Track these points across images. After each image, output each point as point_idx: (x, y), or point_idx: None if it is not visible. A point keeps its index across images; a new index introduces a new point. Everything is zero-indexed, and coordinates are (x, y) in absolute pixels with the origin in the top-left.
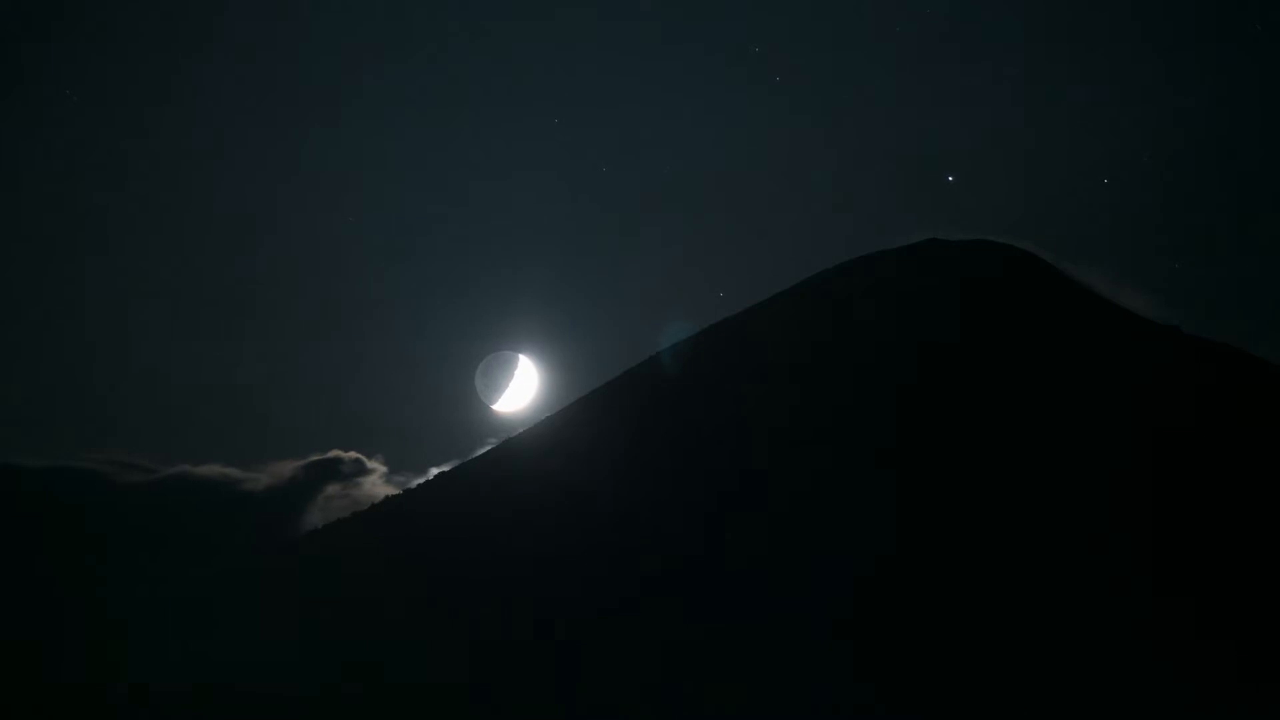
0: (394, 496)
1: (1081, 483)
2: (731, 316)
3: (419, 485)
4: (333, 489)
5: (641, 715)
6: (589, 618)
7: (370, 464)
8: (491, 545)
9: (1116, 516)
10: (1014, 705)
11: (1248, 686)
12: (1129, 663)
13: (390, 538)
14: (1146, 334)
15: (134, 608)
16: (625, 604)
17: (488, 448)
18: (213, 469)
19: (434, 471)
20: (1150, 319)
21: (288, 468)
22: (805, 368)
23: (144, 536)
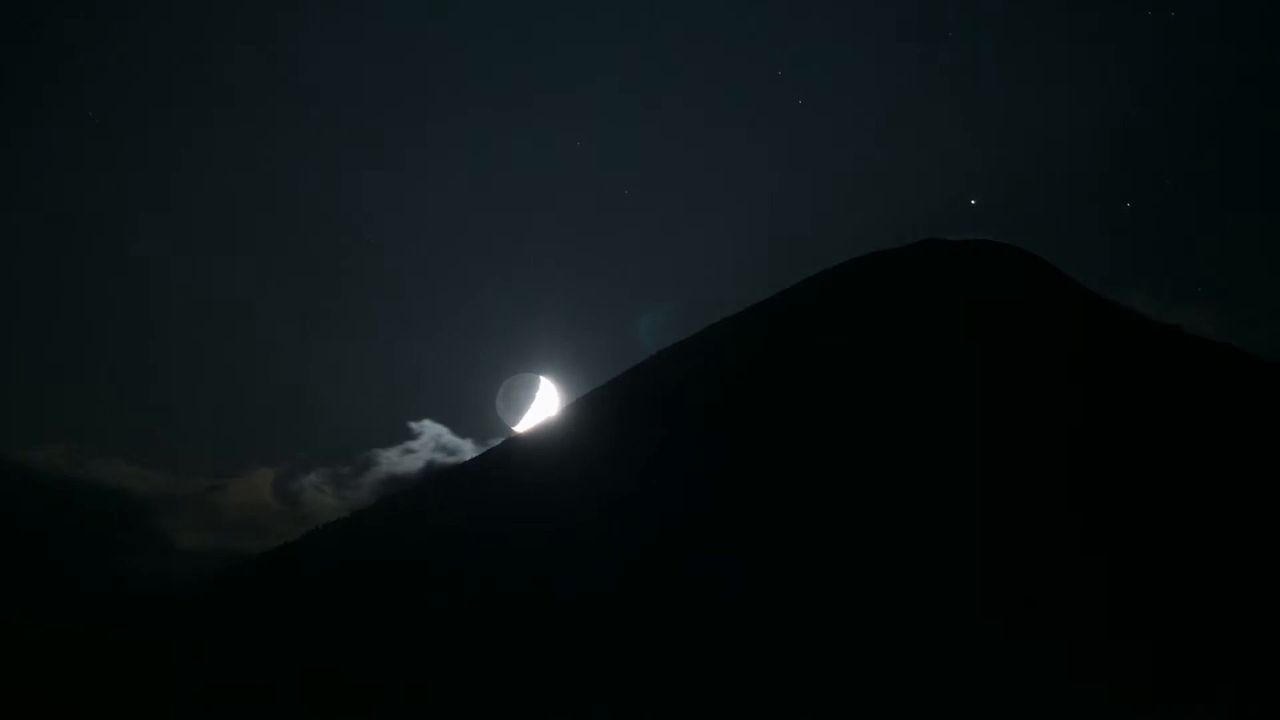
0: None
1: (1080, 482)
2: (732, 315)
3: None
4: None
5: (638, 707)
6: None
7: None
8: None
9: (1115, 516)
10: (1012, 705)
11: (1247, 687)
12: (1127, 663)
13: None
14: (1147, 334)
15: None
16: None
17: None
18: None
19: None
20: (1150, 319)
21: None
22: (804, 367)
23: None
